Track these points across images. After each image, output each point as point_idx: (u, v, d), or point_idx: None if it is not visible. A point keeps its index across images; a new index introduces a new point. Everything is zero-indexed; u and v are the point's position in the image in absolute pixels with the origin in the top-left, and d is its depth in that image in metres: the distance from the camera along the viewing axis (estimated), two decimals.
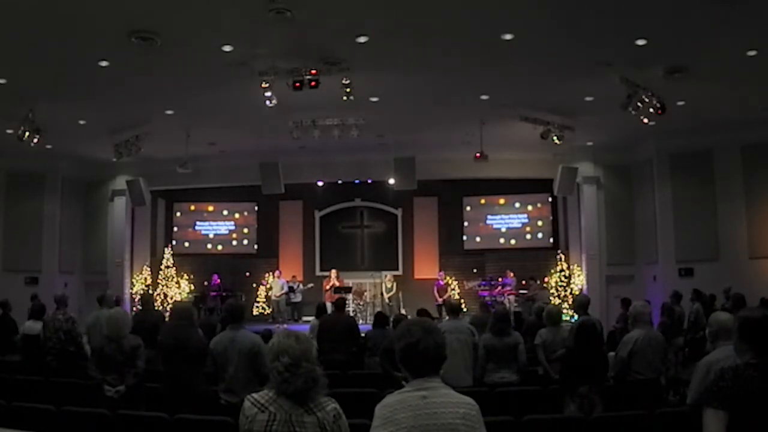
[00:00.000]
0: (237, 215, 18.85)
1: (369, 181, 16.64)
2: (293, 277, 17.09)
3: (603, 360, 5.55)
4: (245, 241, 18.81)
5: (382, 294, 16.54)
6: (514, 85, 10.04)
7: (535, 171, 14.75)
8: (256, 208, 18.69)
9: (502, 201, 17.90)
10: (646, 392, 5.36)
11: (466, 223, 18.08)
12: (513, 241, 17.74)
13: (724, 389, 2.48)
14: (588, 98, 10.48)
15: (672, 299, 10.06)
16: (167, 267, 16.78)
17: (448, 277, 16.72)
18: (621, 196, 14.63)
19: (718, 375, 2.58)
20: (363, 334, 8.16)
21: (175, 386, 5.20)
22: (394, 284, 16.39)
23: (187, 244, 18.35)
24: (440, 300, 15.17)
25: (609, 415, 4.78)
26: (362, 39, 8.02)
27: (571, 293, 14.88)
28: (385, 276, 16.66)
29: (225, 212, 18.79)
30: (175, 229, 18.48)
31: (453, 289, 16.59)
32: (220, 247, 18.66)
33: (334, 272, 16.29)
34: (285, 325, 14.46)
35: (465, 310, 10.47)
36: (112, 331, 5.39)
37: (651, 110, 9.18)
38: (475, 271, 17.39)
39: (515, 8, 7.30)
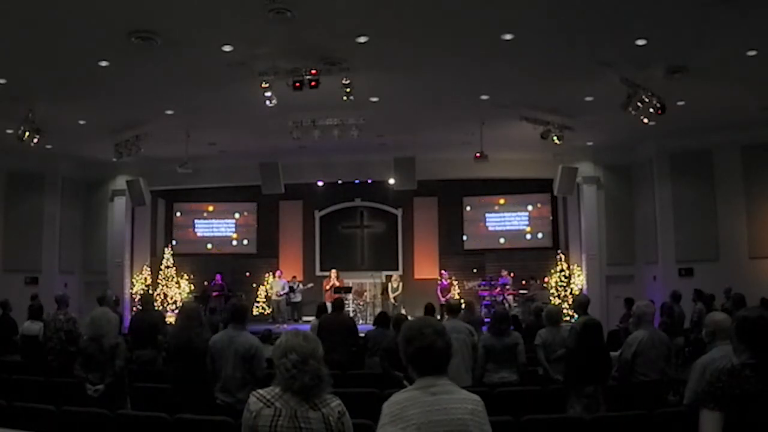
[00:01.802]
0: (237, 215, 18.85)
1: (369, 181, 16.64)
2: (293, 277, 17.08)
3: (607, 360, 5.54)
4: (245, 241, 18.80)
5: (384, 293, 16.53)
6: (514, 85, 10.04)
7: (535, 171, 14.75)
8: (256, 208, 18.68)
9: (502, 201, 17.90)
10: (650, 393, 5.33)
11: (466, 223, 18.08)
12: (513, 241, 17.73)
13: (720, 390, 2.47)
14: (588, 98, 10.48)
15: (672, 299, 10.06)
16: (167, 267, 16.79)
17: (451, 278, 16.68)
18: (621, 196, 14.63)
19: (714, 375, 2.57)
20: (363, 334, 8.16)
21: (183, 386, 5.19)
22: (400, 284, 16.37)
23: (187, 244, 18.35)
24: (443, 300, 15.14)
25: (608, 416, 4.78)
26: (362, 39, 8.01)
27: (571, 293, 14.88)
28: (392, 276, 16.65)
29: (225, 212, 18.79)
30: (175, 229, 18.49)
31: (455, 289, 16.55)
32: (220, 247, 18.66)
33: (334, 272, 16.29)
34: (285, 325, 14.47)
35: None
36: (93, 331, 5.41)
37: (651, 110, 9.18)
38: (475, 271, 17.38)
39: (515, 8, 7.29)
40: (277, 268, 17.37)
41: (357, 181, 16.83)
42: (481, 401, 2.47)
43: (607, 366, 5.45)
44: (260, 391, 2.71)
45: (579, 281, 15.12)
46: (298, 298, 16.59)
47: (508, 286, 15.86)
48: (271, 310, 16.89)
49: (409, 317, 8.45)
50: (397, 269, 17.67)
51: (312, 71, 8.70)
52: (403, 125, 12.33)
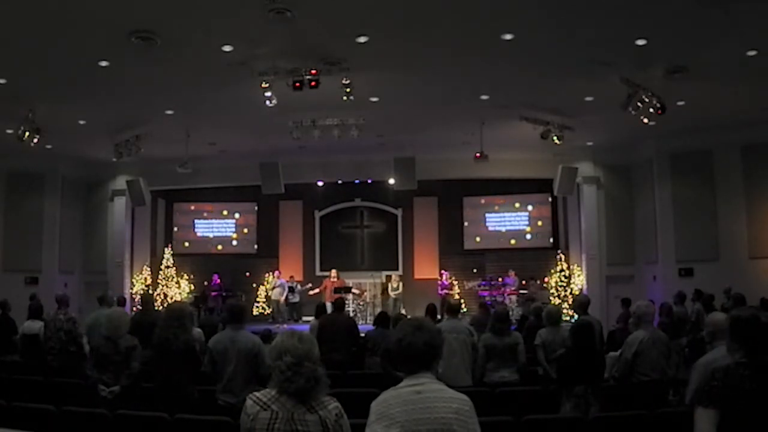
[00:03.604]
0: (237, 215, 18.83)
1: (369, 181, 16.65)
2: (291, 277, 17.07)
3: (599, 360, 5.52)
4: (245, 241, 18.81)
5: (384, 293, 16.52)
6: (514, 85, 10.04)
7: (535, 171, 14.76)
8: (256, 208, 18.67)
9: (502, 201, 17.89)
10: (650, 393, 5.33)
11: (466, 223, 18.06)
12: (513, 241, 17.71)
13: (715, 388, 2.50)
14: (588, 98, 10.48)
15: (675, 299, 10.04)
16: (167, 267, 16.78)
17: (452, 278, 16.68)
18: (621, 196, 14.63)
19: (709, 374, 2.60)
20: (363, 334, 8.16)
21: (163, 386, 5.19)
22: (401, 284, 16.38)
23: (187, 244, 18.34)
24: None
25: (609, 415, 4.77)
26: (362, 39, 8.02)
27: (571, 293, 14.88)
28: (391, 276, 16.66)
29: (225, 212, 18.77)
30: (175, 229, 18.47)
31: (455, 289, 16.55)
32: (220, 247, 18.65)
33: (334, 272, 16.28)
34: (285, 325, 14.45)
35: (465, 310, 10.48)
36: (110, 331, 5.39)
37: (651, 110, 9.18)
38: (475, 271, 17.38)
39: (515, 8, 7.30)
40: (277, 269, 17.39)
41: (357, 181, 16.84)
42: (469, 401, 2.43)
43: (598, 366, 5.42)
44: (257, 393, 2.68)
45: (579, 281, 15.12)
46: (297, 298, 16.59)
47: (510, 287, 15.86)
48: (270, 310, 16.90)
49: (409, 317, 8.44)
50: (397, 269, 17.66)
51: (312, 71, 8.70)
52: (403, 125, 12.33)
